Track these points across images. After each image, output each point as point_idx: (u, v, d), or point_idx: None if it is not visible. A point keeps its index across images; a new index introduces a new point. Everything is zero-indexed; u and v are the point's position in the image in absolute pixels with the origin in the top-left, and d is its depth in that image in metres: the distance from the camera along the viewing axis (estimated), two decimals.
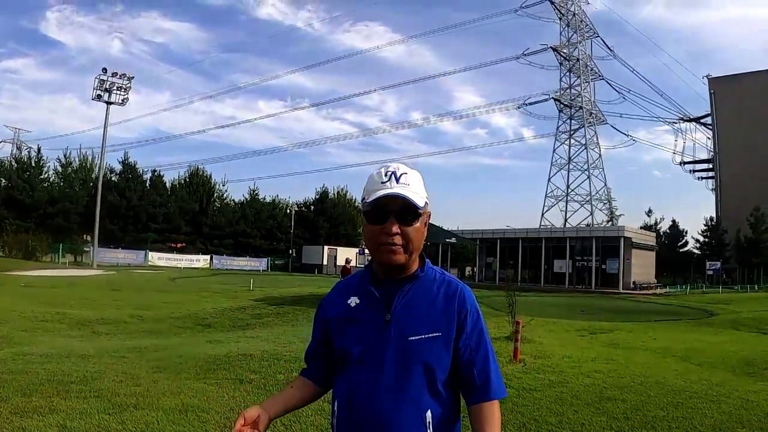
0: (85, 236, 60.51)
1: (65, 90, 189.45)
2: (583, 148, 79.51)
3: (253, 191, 74.86)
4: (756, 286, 54.42)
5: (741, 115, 75.10)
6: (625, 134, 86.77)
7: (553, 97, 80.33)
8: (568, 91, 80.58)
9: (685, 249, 76.05)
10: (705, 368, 10.45)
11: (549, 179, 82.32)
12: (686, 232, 76.71)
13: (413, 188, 2.05)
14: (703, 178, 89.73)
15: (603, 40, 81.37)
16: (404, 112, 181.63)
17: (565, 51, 79.55)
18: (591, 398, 7.36)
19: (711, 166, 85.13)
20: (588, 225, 70.05)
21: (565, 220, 78.33)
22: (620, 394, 7.62)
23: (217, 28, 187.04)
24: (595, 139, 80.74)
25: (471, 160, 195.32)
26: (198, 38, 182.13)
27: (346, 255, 38.10)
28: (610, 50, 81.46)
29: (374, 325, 2.07)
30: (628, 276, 52.56)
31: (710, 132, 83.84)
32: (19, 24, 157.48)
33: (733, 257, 67.86)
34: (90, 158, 64.64)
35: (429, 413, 2.01)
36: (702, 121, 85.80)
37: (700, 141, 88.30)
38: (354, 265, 29.16)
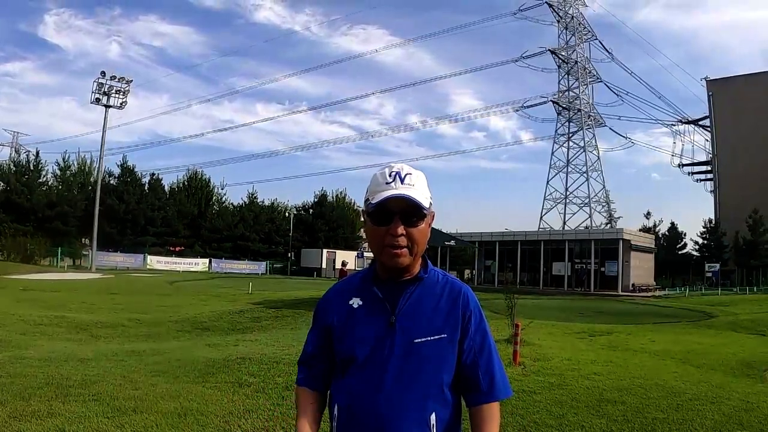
0: (83, 240, 60.47)
1: (64, 93, 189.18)
2: (582, 150, 79.53)
3: (252, 195, 74.94)
4: (755, 288, 54.41)
5: (739, 117, 75.14)
6: (623, 136, 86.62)
7: (551, 100, 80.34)
8: (567, 93, 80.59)
9: (684, 251, 76.07)
10: (704, 370, 10.45)
11: (548, 182, 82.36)
12: (685, 234, 76.80)
13: (418, 189, 2.03)
14: (701, 180, 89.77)
15: (601, 43, 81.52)
16: (402, 115, 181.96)
17: (563, 54, 79.57)
18: (591, 401, 7.35)
19: (709, 168, 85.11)
20: (587, 227, 70.05)
21: (564, 223, 78.29)
22: (620, 396, 7.61)
23: (215, 31, 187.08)
24: (593, 141, 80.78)
25: (470, 162, 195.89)
26: (196, 42, 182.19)
27: (345, 258, 38.08)
28: (609, 53, 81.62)
29: (379, 326, 2.05)
30: (627, 278, 52.53)
31: (708, 134, 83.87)
32: (17, 27, 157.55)
33: (731, 259, 67.86)
34: (88, 162, 64.82)
35: (433, 416, 2.00)
36: (700, 123, 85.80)
37: (699, 143, 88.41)
38: (351, 268, 29.14)
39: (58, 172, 61.57)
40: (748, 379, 9.73)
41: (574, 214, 79.22)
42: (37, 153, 60.48)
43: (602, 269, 53.70)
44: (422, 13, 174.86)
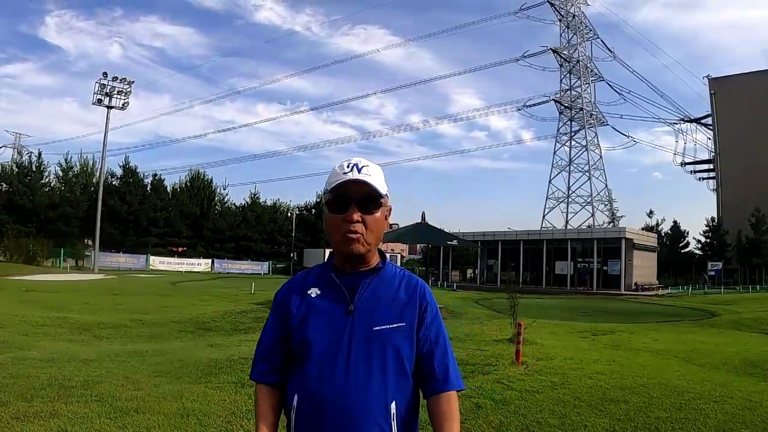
0: (86, 241, 60.48)
1: (65, 95, 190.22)
2: (584, 149, 79.50)
3: (254, 195, 75.00)
4: (758, 287, 54.39)
5: (741, 116, 75.13)
6: (625, 135, 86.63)
7: (553, 99, 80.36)
8: (569, 92, 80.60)
9: (687, 250, 76.01)
10: (707, 369, 10.43)
11: (550, 181, 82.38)
12: (687, 233, 76.77)
13: (375, 179, 2.07)
14: (704, 178, 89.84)
15: (603, 41, 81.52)
16: (404, 115, 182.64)
17: (565, 52, 79.58)
18: (593, 400, 7.33)
19: (712, 166, 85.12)
20: (589, 226, 70.03)
21: (567, 222, 78.27)
22: (623, 395, 7.60)
23: (215, 32, 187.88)
24: (595, 140, 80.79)
25: (471, 162, 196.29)
26: (197, 42, 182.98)
27: None
28: (610, 51, 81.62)
29: (337, 315, 2.07)
30: (629, 277, 52.56)
31: (711, 132, 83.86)
32: (18, 29, 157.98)
33: (734, 258, 67.81)
34: (91, 163, 64.75)
35: (394, 404, 2.01)
36: (702, 121, 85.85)
37: (701, 141, 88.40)
38: None
39: (61, 173, 61.53)
40: (751, 377, 9.71)
41: (576, 213, 79.31)
42: (39, 154, 60.52)
43: (605, 268, 53.75)
44: (423, 12, 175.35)
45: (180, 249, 65.13)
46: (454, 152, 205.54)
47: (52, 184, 60.49)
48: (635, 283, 52.26)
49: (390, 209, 2.20)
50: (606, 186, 79.73)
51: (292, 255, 71.91)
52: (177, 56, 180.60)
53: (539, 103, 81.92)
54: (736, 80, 79.08)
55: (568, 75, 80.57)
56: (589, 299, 38.86)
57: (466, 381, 8.15)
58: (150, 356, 10.42)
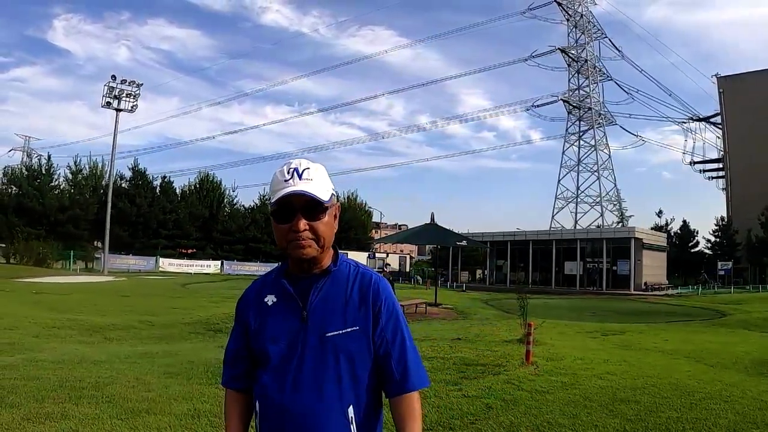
0: (95, 243, 60.60)
1: (73, 98, 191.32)
2: (593, 149, 79.30)
3: (263, 196, 74.83)
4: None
5: (750, 114, 74.70)
6: (634, 135, 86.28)
7: (561, 99, 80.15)
8: (577, 92, 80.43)
9: (696, 249, 75.69)
10: (718, 369, 10.40)
11: (559, 181, 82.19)
12: (697, 233, 76.32)
13: (317, 182, 2.05)
14: (713, 177, 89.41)
15: (611, 41, 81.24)
16: (412, 116, 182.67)
17: (573, 52, 79.42)
18: (604, 400, 7.32)
19: (721, 165, 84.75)
20: (598, 226, 69.83)
21: (576, 222, 78.06)
22: (633, 395, 7.58)
23: (222, 34, 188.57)
24: (604, 140, 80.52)
25: (480, 162, 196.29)
26: (204, 45, 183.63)
27: (357, 259, 38.11)
28: (618, 50, 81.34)
29: (291, 322, 2.07)
30: (639, 277, 52.45)
31: (720, 131, 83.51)
32: (26, 33, 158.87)
33: (744, 257, 67.49)
34: (100, 165, 64.77)
35: (351, 409, 2.01)
36: (711, 120, 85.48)
37: (710, 140, 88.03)
38: None
39: (70, 175, 61.64)
40: (761, 377, 9.68)
41: (585, 213, 79.09)
42: (49, 157, 60.71)
43: (614, 268, 53.64)
44: (430, 13, 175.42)
45: (189, 251, 65.24)
46: (463, 153, 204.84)
47: (61, 187, 60.64)
48: (645, 283, 52.14)
49: (338, 207, 2.20)
50: (615, 186, 79.57)
51: None
52: (184, 59, 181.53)
53: (548, 103, 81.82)
54: (745, 79, 78.65)
55: (576, 74, 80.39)
56: (599, 299, 38.83)
57: (476, 381, 8.16)
58: (160, 358, 10.46)
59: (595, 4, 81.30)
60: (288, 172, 2.05)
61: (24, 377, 7.83)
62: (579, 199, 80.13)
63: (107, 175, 59.87)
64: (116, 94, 54.45)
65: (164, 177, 67.99)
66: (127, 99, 55.10)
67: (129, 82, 55.29)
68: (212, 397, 7.00)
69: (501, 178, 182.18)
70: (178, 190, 68.47)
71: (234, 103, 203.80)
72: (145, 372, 8.68)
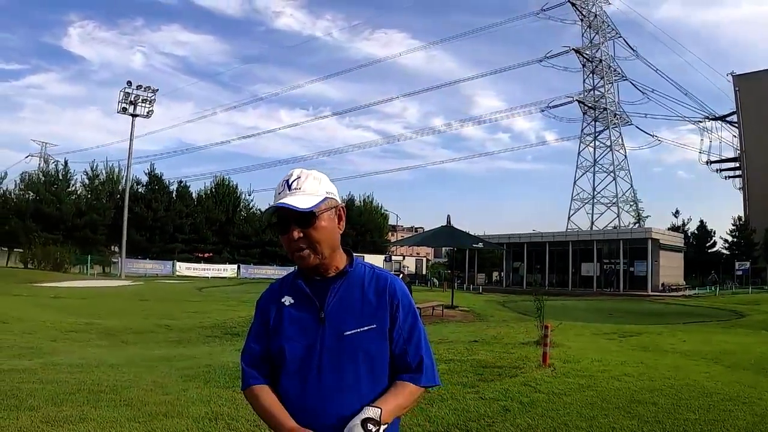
0: (112, 247, 61.00)
1: (89, 104, 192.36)
2: (609, 149, 78.88)
3: None
4: None
5: (767, 112, 74.11)
6: (650, 135, 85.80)
7: (576, 99, 79.78)
8: (592, 92, 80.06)
9: (714, 249, 75.10)
10: (736, 370, 10.33)
11: (575, 182, 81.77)
12: (714, 233, 75.69)
13: (304, 191, 2.10)
14: (730, 177, 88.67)
15: (625, 40, 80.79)
16: (426, 118, 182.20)
17: (587, 52, 79.08)
18: (621, 402, 7.29)
19: (738, 164, 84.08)
20: (615, 227, 69.41)
21: (592, 223, 77.62)
22: (651, 397, 7.55)
23: (236, 39, 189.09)
24: (620, 140, 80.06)
25: (495, 164, 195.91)
26: (218, 50, 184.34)
27: (373, 262, 38.12)
28: (633, 50, 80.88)
29: (309, 323, 2.10)
30: (656, 278, 52.15)
31: (736, 130, 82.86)
32: (42, 40, 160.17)
33: (761, 256, 66.88)
34: (116, 170, 65.05)
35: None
36: (727, 119, 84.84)
37: (726, 139, 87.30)
38: None
39: (87, 181, 62.04)
40: None
41: (602, 214, 78.61)
42: (66, 163, 61.13)
43: (631, 269, 53.39)
44: (443, 15, 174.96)
45: (206, 255, 65.40)
46: (478, 154, 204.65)
47: (78, 192, 61.04)
48: (662, 284, 51.84)
49: (339, 208, 2.21)
50: (631, 186, 79.06)
51: None
52: (199, 64, 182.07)
53: (563, 104, 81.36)
54: (761, 77, 77.83)
55: (591, 75, 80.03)
56: (616, 300, 38.63)
57: (493, 384, 8.15)
58: (178, 361, 10.50)
59: (609, 3, 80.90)
60: (281, 185, 2.14)
61: (42, 381, 7.89)
62: (595, 200, 79.72)
63: (124, 180, 60.11)
64: (132, 99, 54.84)
65: (180, 181, 68.24)
66: (143, 105, 55.50)
67: (144, 88, 55.68)
68: (230, 400, 7.03)
69: (517, 179, 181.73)
70: (194, 195, 68.69)
71: (249, 108, 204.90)
72: (162, 375, 8.71)
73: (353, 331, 2.06)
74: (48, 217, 53.59)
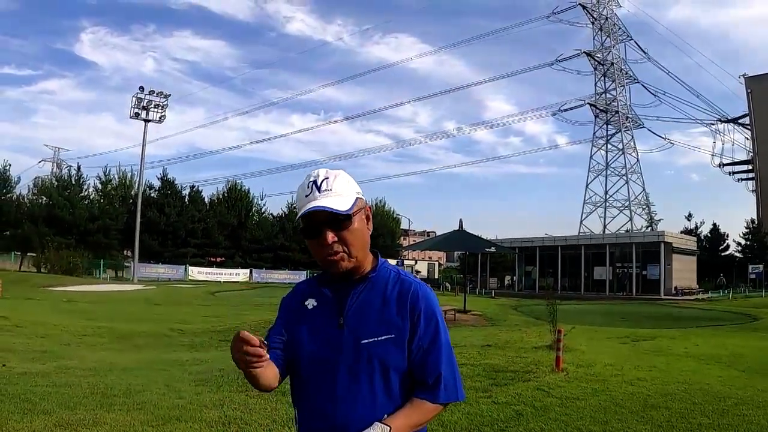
0: (125, 252, 61.18)
1: (101, 109, 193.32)
2: (621, 153, 78.62)
3: (291, 205, 74.89)
4: None
5: None
6: (662, 137, 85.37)
7: (588, 103, 79.59)
8: (604, 95, 79.84)
9: (727, 253, 74.65)
10: (750, 374, 10.28)
11: (587, 185, 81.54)
12: (727, 236, 75.24)
13: (336, 192, 2.03)
14: (742, 179, 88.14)
15: (637, 43, 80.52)
16: (438, 123, 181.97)
17: (598, 55, 78.89)
18: (635, 406, 7.27)
19: (750, 167, 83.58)
20: (627, 231, 69.26)
21: (604, 227, 77.41)
22: (664, 401, 7.52)
23: (247, 44, 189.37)
24: (632, 143, 79.79)
25: (507, 168, 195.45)
26: (229, 55, 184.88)
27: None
28: (644, 52, 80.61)
29: (328, 328, 2.06)
30: (669, 282, 51.93)
31: (748, 132, 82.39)
32: (54, 46, 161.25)
33: None
34: (129, 175, 65.26)
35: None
36: (740, 121, 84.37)
37: (738, 141, 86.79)
38: None
39: (100, 186, 62.15)
40: None
41: (614, 217, 78.36)
42: (79, 168, 61.24)
43: (644, 273, 53.15)
44: (454, 19, 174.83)
45: (218, 259, 65.48)
46: (490, 158, 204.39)
47: (91, 197, 61.16)
48: (675, 288, 51.61)
49: (367, 209, 2.15)
50: (643, 189, 78.77)
51: None
52: (210, 69, 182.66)
53: (574, 107, 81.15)
54: None
55: (602, 78, 79.85)
56: (629, 304, 38.50)
57: (506, 388, 8.13)
58: (190, 365, 10.52)
59: (620, 6, 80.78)
60: (308, 186, 2.04)
61: (55, 384, 7.93)
62: (607, 204, 79.47)
63: (136, 184, 60.40)
64: (144, 105, 55.04)
65: (193, 186, 68.32)
66: (156, 110, 55.70)
67: (157, 93, 55.87)
68: (243, 404, 7.04)
69: (528, 183, 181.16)
70: (206, 199, 68.68)
71: (260, 113, 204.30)
72: (175, 379, 8.73)
73: (370, 340, 2.00)
74: (61, 221, 53.77)
